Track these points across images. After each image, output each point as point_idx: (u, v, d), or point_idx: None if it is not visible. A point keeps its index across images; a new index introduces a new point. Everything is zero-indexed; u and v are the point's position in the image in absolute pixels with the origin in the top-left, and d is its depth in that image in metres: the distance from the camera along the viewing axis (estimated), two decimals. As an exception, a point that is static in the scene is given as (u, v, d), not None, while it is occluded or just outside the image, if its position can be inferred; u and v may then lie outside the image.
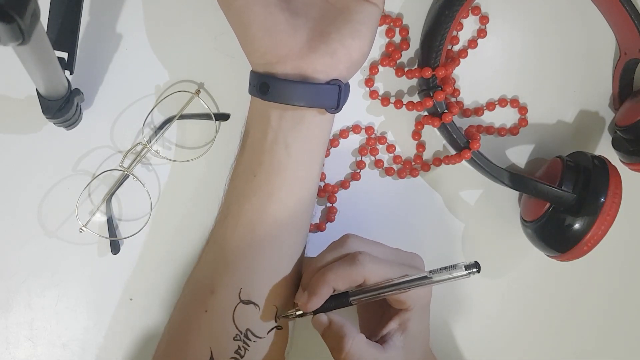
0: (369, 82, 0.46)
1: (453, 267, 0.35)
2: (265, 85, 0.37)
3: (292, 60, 0.37)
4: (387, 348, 0.37)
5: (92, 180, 0.43)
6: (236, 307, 0.37)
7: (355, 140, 0.47)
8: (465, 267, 0.35)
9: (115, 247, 0.44)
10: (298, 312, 0.38)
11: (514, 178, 0.43)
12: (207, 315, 0.37)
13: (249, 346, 0.37)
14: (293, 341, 0.41)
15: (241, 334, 0.37)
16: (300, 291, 0.38)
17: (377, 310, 0.40)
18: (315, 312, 0.37)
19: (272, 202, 0.38)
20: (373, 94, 0.46)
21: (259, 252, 0.38)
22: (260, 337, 0.38)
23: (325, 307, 0.37)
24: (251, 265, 0.38)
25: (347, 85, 0.39)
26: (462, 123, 0.47)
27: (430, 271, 0.36)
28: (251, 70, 0.39)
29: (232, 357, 0.37)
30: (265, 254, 0.38)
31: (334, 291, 0.37)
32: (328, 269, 0.37)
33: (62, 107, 0.38)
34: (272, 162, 0.38)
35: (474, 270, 0.34)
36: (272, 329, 0.38)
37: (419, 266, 0.39)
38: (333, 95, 0.37)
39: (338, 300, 0.37)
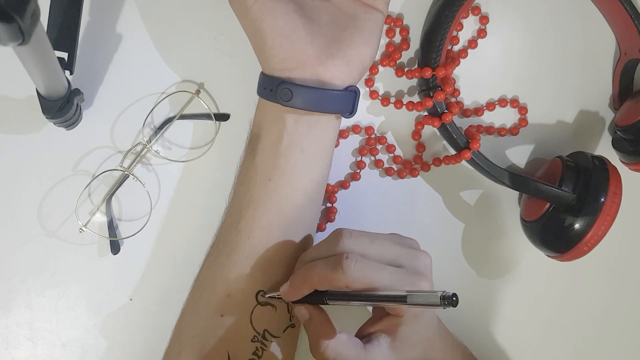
0: (369, 82, 0.46)
1: (430, 293, 0.32)
2: (287, 92, 0.36)
3: (310, 66, 0.37)
4: (370, 348, 0.35)
5: (92, 181, 0.43)
6: (254, 309, 0.37)
7: (355, 140, 0.47)
8: (441, 297, 0.31)
9: (115, 247, 0.44)
10: (279, 295, 0.37)
11: (514, 178, 0.43)
12: (223, 319, 0.37)
13: (266, 346, 0.38)
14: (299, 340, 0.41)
15: (259, 334, 0.37)
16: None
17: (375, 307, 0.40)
18: (297, 302, 0.36)
19: (288, 204, 0.38)
20: (373, 94, 0.46)
21: (276, 254, 0.38)
22: (277, 337, 0.38)
23: (306, 299, 0.36)
24: (268, 267, 0.38)
25: None
26: (462, 123, 0.47)
27: (407, 291, 0.33)
28: (262, 74, 0.39)
29: (250, 359, 0.37)
30: (280, 254, 0.38)
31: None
32: (312, 267, 0.35)
33: (62, 107, 0.38)
34: (288, 166, 0.38)
35: (449, 302, 0.31)
36: (287, 327, 0.38)
37: (417, 266, 0.37)
38: (350, 101, 0.38)
39: (316, 297, 0.36)
